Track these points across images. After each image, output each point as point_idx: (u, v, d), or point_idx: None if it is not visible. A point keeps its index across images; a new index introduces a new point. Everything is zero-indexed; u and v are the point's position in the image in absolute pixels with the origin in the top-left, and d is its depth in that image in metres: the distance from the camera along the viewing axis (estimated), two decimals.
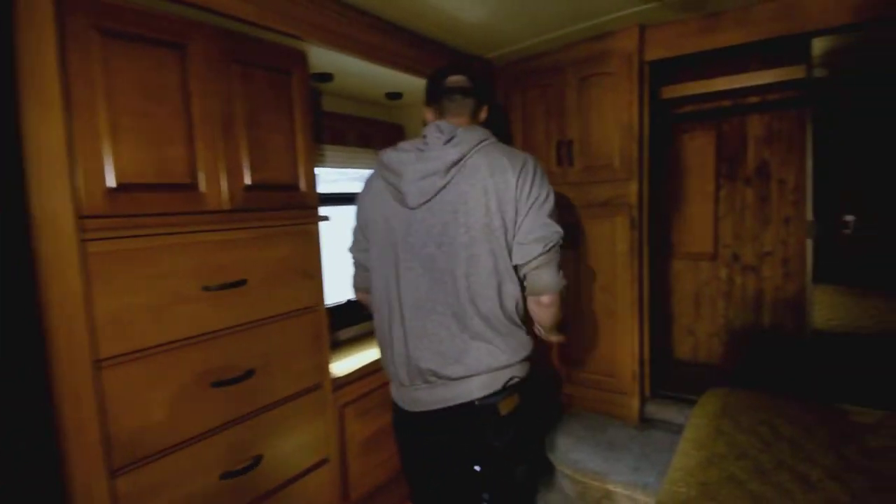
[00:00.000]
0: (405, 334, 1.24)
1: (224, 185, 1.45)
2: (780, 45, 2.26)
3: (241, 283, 1.50)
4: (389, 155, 1.25)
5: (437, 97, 1.32)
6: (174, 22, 1.32)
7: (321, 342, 1.80)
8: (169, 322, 1.33)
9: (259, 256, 1.56)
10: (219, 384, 1.45)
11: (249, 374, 1.53)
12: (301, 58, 1.67)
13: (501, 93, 2.73)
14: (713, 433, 1.52)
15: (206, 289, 1.41)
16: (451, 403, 1.20)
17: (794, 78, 2.27)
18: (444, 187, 1.17)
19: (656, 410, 2.56)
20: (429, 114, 1.35)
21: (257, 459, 1.56)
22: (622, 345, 2.49)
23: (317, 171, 1.77)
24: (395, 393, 1.35)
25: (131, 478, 1.25)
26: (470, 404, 1.19)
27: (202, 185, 1.40)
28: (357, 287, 1.49)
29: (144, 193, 1.28)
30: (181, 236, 1.36)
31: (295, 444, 1.70)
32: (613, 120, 2.40)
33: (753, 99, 2.86)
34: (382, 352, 1.36)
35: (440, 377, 1.20)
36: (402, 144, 1.27)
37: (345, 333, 2.34)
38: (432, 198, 1.17)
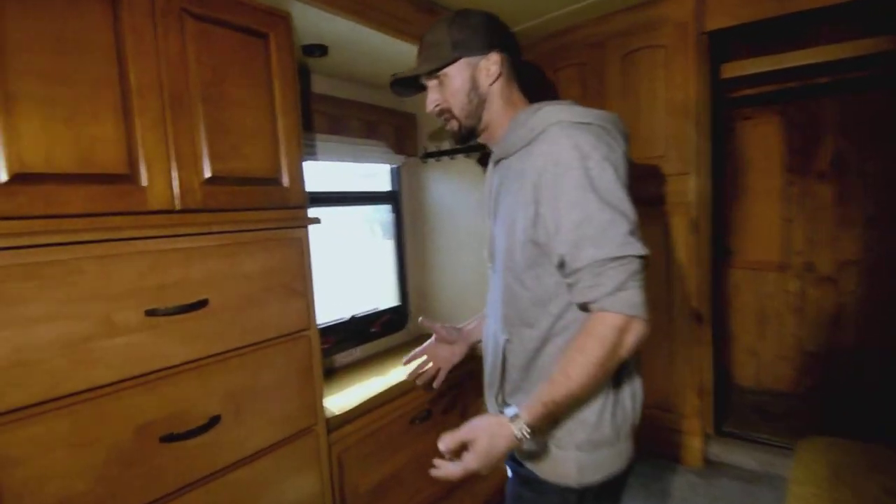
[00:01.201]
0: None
1: (175, 177, 1.11)
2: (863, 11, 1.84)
3: (201, 304, 1.15)
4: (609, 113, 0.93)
5: (516, 50, 1.02)
6: None
7: (311, 374, 1.43)
8: (96, 360, 0.99)
9: (225, 270, 1.21)
10: (171, 438, 1.10)
11: (213, 422, 1.18)
12: (281, 17, 1.32)
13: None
14: None
15: (152, 314, 1.07)
16: None
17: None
18: None
19: (722, 452, 2.14)
20: (501, 66, 0.97)
21: None
22: (680, 373, 2.08)
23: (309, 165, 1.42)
24: (625, 451, 0.95)
25: None
26: None
27: (143, 178, 1.06)
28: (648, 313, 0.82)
29: (59, 187, 0.94)
30: (114, 245, 1.01)
31: None
32: (666, 102, 2.02)
33: (823, 79, 2.42)
34: (624, 393, 0.94)
35: None
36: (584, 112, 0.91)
37: (342, 358, 1.98)
38: None
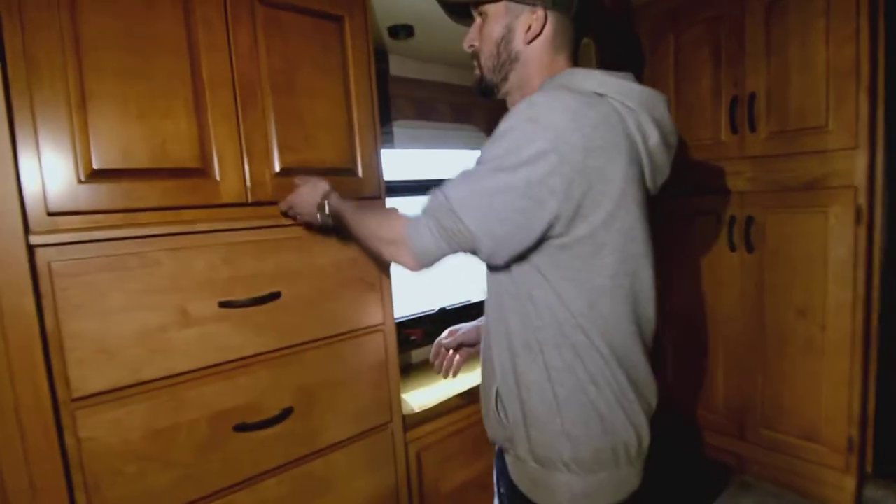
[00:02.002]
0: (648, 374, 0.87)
1: (246, 169, 1.10)
2: None
3: (274, 296, 1.15)
4: (618, 80, 0.77)
5: (581, 16, 0.84)
6: None
7: (386, 371, 1.39)
8: (173, 350, 1.02)
9: (298, 262, 1.19)
10: (244, 428, 1.12)
11: (286, 413, 1.18)
12: None
13: (645, 39, 2.05)
14: None
15: (225, 305, 1.08)
16: None
17: None
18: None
19: (882, 496, 1.72)
20: (543, 25, 0.81)
21: None
22: (831, 397, 1.69)
23: (391, 153, 1.35)
24: (626, 480, 0.83)
25: None
26: None
27: (216, 171, 1.06)
28: None
29: (135, 182, 0.97)
30: (188, 237, 1.03)
31: (350, 500, 1.32)
32: (826, 60, 1.61)
33: None
34: (611, 405, 0.79)
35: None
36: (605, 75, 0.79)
37: (420, 354, 1.92)
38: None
